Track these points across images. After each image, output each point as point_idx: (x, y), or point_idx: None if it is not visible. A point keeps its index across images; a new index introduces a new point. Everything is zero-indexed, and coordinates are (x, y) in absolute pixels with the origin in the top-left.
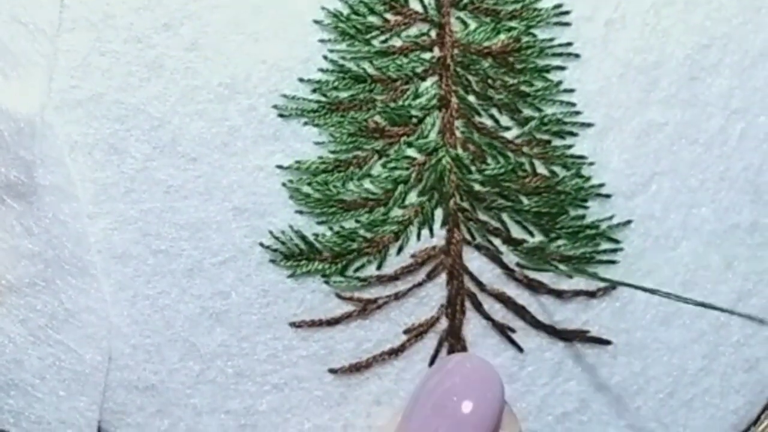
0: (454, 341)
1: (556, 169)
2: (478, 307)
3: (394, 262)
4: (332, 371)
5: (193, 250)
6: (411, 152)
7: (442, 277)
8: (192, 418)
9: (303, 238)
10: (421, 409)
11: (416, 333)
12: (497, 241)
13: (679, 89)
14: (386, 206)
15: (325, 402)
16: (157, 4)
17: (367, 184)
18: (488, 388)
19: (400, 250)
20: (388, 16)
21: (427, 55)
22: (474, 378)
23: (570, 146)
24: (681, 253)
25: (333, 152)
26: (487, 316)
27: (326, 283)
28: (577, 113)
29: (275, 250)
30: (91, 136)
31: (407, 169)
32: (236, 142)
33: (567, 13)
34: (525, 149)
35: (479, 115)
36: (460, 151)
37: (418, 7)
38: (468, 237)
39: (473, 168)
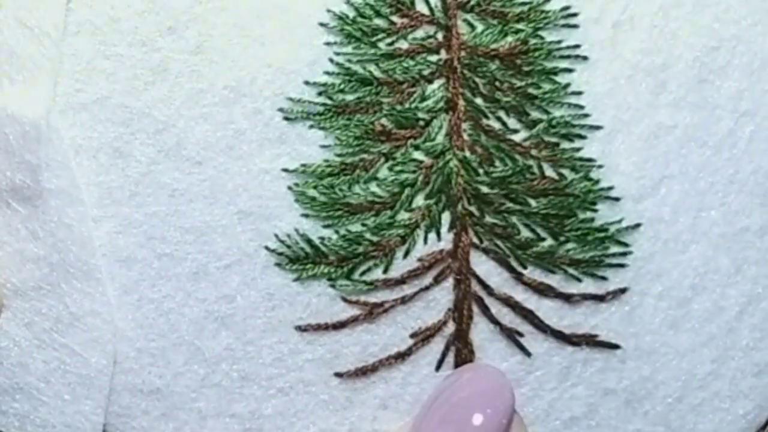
0: (462, 345)
1: (565, 171)
2: (485, 311)
3: (400, 266)
4: (338, 375)
5: (198, 254)
6: (418, 155)
7: (449, 281)
8: (197, 422)
9: (309, 241)
10: (429, 420)
11: (423, 337)
12: (505, 245)
13: (687, 92)
14: (393, 209)
15: (331, 406)
16: (161, 8)
17: (373, 187)
18: (498, 400)
19: (406, 253)
20: (395, 18)
21: (433, 58)
22: (485, 390)
23: (578, 149)
24: (690, 256)
25: (339, 155)
26: (494, 321)
27: (332, 286)
28: (586, 116)
29: (281, 254)
30: (95, 140)
31: (414, 172)
32: (241, 145)
33: (575, 15)
34: (533, 152)
35: (487, 117)
36: (467, 153)
37: (425, 10)
38: (476, 240)
39: (481, 171)
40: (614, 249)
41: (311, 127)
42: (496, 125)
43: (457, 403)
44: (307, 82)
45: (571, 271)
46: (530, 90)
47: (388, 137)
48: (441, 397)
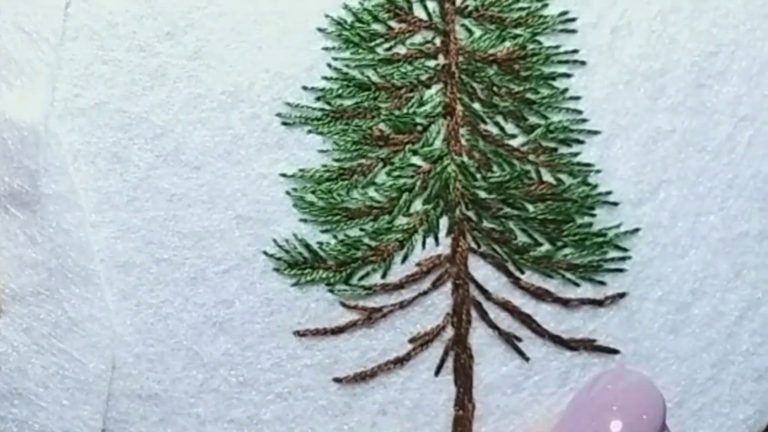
0: (460, 350)
1: (563, 176)
2: (483, 315)
3: (399, 271)
4: (337, 380)
5: (196, 259)
6: (416, 160)
7: (448, 286)
8: (195, 428)
9: (307, 246)
10: (577, 419)
11: (422, 342)
12: (503, 250)
13: (686, 96)
14: (391, 214)
15: (330, 411)
16: (159, 13)
17: (371, 192)
18: (647, 409)
19: (405, 258)
20: (393, 23)
21: (431, 63)
22: (634, 396)
23: (576, 154)
24: (689, 261)
25: (337, 160)
26: (493, 325)
27: (330, 291)
28: (584, 121)
29: (279, 259)
30: (94, 145)
31: (412, 177)
32: (240, 150)
33: (573, 20)
34: (531, 157)
35: (484, 122)
36: (465, 158)
37: (423, 15)
38: (474, 245)
39: (479, 176)
40: (613, 254)
41: (309, 132)
42: (494, 130)
43: (606, 404)
44: (305, 87)
45: (569, 275)
46: (528, 95)
47: (386, 142)
48: (590, 395)
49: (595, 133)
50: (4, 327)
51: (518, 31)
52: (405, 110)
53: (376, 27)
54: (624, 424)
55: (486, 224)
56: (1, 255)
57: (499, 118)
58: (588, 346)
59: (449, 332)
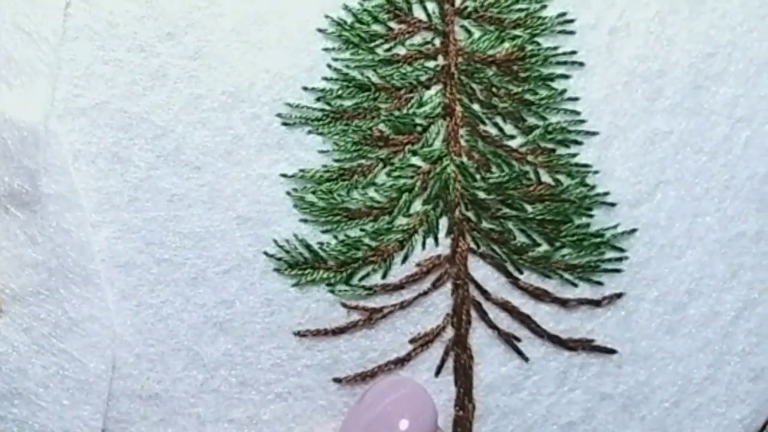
0: (460, 350)
1: (561, 177)
2: (483, 316)
3: (399, 271)
4: (337, 381)
5: (196, 259)
6: (415, 161)
7: (448, 286)
8: (196, 428)
9: (307, 246)
10: (361, 426)
11: (422, 342)
12: (501, 250)
13: (683, 98)
14: (391, 215)
15: (330, 411)
16: (160, 14)
17: (371, 192)
18: (423, 410)
19: (405, 258)
20: (392, 24)
21: (431, 64)
22: (408, 400)
23: (574, 155)
24: (686, 261)
25: (337, 161)
26: (492, 325)
27: (331, 292)
28: (582, 122)
29: (279, 259)
30: (94, 145)
31: (412, 177)
32: (240, 150)
33: (571, 21)
34: (529, 158)
35: (484, 123)
36: (464, 159)
37: (422, 16)
38: (473, 246)
39: (478, 176)
40: (610, 254)
41: (310, 132)
42: (493, 131)
43: (383, 411)
44: (305, 88)
45: (566, 276)
46: (527, 96)
47: (386, 143)
48: (362, 406)
49: (593, 134)
50: (4, 327)
51: (517, 32)
52: (405, 111)
53: (376, 28)
54: (410, 422)
55: (485, 225)
56: (1, 255)
57: (498, 119)
58: (586, 346)
59: (449, 332)
